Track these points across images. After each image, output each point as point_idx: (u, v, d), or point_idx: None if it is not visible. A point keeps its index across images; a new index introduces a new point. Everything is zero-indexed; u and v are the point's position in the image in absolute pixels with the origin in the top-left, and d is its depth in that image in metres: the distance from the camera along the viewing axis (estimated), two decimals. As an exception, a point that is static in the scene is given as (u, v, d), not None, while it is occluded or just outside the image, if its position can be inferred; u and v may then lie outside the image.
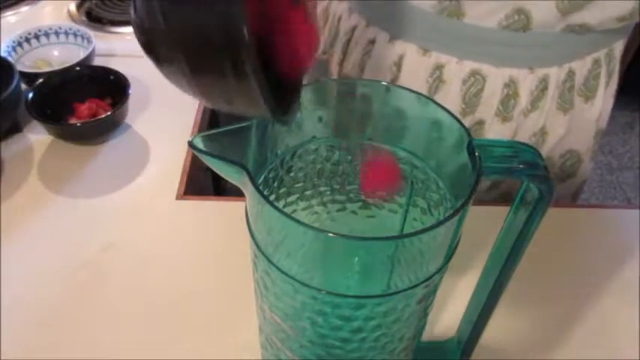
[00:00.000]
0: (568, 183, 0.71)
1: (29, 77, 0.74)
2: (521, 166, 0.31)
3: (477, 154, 0.31)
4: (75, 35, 0.84)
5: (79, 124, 0.69)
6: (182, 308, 0.54)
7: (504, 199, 0.68)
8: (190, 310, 0.53)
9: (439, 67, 0.59)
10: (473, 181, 0.30)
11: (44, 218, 0.62)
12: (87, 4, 0.99)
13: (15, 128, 0.71)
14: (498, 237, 0.37)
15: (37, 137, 0.71)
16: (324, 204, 0.41)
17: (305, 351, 0.37)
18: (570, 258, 0.59)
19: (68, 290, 0.55)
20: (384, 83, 0.36)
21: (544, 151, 0.65)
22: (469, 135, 0.31)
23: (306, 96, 0.35)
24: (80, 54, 0.79)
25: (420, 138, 0.36)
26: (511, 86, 0.58)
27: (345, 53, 0.65)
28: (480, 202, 0.65)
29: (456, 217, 0.29)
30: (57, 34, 0.84)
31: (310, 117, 0.36)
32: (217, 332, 0.51)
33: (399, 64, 0.60)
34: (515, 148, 0.32)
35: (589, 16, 0.52)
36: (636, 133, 2.03)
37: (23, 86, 0.71)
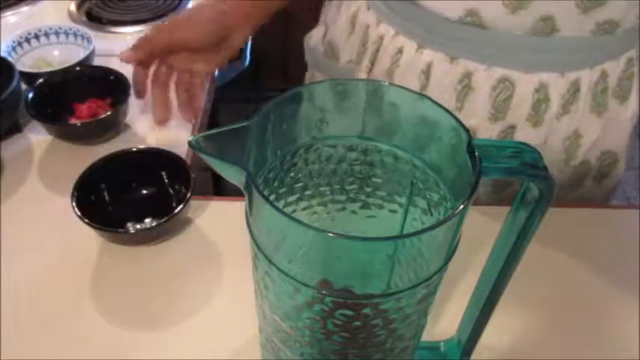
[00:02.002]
0: (604, 184, 0.70)
1: (29, 77, 0.74)
2: (521, 166, 0.31)
3: (477, 154, 0.31)
4: (75, 35, 0.84)
5: (79, 124, 0.69)
6: (182, 308, 0.54)
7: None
8: (190, 309, 0.53)
9: (467, 75, 0.59)
10: (473, 181, 0.30)
11: (44, 218, 0.62)
12: (87, 4, 0.99)
13: (15, 128, 0.71)
14: (498, 237, 0.37)
15: (37, 137, 0.71)
16: (324, 204, 0.41)
17: (305, 351, 0.37)
18: (570, 258, 0.59)
19: (68, 290, 0.55)
20: (383, 83, 0.36)
21: (579, 154, 0.65)
22: (469, 135, 0.31)
23: (306, 96, 0.35)
24: (80, 54, 0.79)
25: (420, 138, 0.36)
26: (541, 91, 0.58)
27: (373, 62, 0.65)
28: (480, 202, 0.66)
29: (456, 217, 0.29)
30: (57, 34, 0.84)
31: (310, 117, 0.36)
32: (217, 332, 0.51)
33: (427, 73, 0.60)
34: (516, 148, 0.32)
35: (611, 10, 0.52)
36: (636, 133, 2.03)
37: (23, 86, 0.71)
